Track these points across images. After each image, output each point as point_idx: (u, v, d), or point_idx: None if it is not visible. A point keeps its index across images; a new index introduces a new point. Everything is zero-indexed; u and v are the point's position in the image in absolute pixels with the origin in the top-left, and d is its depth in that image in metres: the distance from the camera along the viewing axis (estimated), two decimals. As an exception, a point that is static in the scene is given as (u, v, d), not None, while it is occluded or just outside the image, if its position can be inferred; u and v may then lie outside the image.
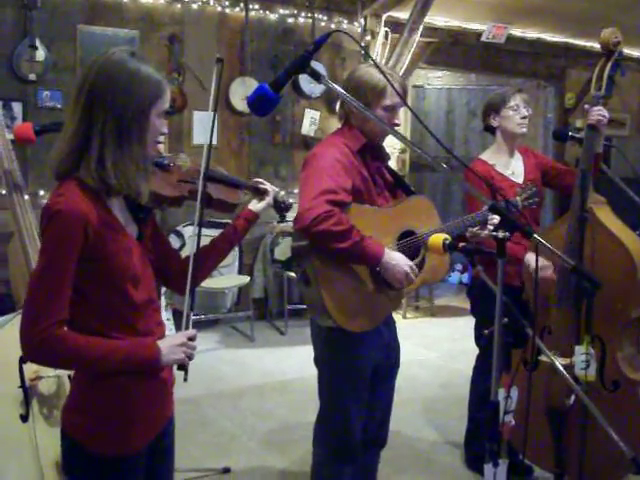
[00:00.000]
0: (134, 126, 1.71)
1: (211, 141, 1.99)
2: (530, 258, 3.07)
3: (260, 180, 2.27)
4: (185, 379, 1.85)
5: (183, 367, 1.85)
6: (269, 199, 2.22)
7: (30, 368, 2.56)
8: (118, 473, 1.81)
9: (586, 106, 3.03)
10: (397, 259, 2.52)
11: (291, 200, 2.30)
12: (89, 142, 1.69)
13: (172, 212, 5.95)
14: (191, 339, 1.84)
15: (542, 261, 2.99)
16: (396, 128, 2.61)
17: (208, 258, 2.09)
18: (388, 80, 2.16)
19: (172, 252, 2.08)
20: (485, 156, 3.51)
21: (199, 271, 2.00)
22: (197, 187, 2.00)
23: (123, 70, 1.70)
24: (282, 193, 2.29)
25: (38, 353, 1.67)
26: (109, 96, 1.68)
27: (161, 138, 1.84)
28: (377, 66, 2.45)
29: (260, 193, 2.23)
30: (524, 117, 3.38)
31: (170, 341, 1.81)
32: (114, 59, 1.72)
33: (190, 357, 1.84)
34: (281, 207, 2.29)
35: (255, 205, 2.20)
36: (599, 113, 2.96)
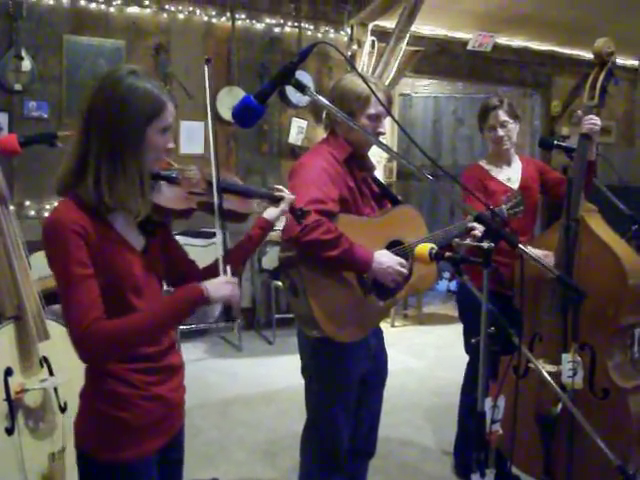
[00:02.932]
0: (129, 145, 1.72)
1: (216, 150, 2.00)
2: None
3: (278, 187, 2.18)
4: (231, 319, 1.82)
5: (229, 309, 1.83)
6: (284, 206, 2.14)
7: (15, 381, 2.54)
8: None
9: (579, 113, 3.04)
10: (386, 262, 2.54)
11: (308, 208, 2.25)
12: (87, 161, 1.72)
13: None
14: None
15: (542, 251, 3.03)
16: (382, 137, 2.63)
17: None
18: (371, 89, 2.17)
19: (188, 262, 2.06)
20: (482, 162, 3.57)
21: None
22: (206, 199, 1.99)
23: (118, 89, 1.72)
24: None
25: (95, 347, 1.67)
26: (104, 116, 1.71)
27: (165, 153, 1.84)
28: (360, 75, 2.46)
29: (275, 200, 2.16)
30: (499, 137, 3.39)
31: (215, 280, 1.82)
32: (110, 80, 1.73)
33: (235, 296, 1.83)
34: (298, 214, 2.21)
35: (269, 213, 2.14)
36: (591, 122, 2.99)
